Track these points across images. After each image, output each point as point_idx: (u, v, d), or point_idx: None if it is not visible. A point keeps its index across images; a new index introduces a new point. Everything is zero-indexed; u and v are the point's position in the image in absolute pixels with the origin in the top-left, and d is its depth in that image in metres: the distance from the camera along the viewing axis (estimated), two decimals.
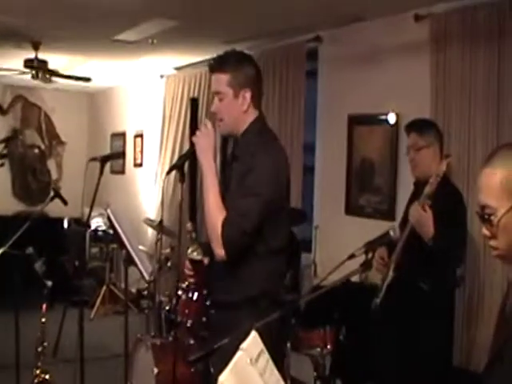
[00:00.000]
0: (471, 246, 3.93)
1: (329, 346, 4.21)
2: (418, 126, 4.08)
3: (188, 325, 4.47)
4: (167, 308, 5.19)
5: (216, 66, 3.11)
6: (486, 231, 2.01)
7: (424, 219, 3.74)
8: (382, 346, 4.15)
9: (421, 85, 4.84)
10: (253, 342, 1.87)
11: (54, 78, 7.62)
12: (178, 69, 8.41)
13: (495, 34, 4.28)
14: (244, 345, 1.79)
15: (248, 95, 3.06)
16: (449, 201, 3.85)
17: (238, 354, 1.75)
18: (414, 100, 4.97)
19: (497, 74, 4.28)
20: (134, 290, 8.01)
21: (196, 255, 3.90)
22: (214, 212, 2.99)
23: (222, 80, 3.06)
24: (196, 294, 4.48)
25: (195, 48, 7.05)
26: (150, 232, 8.36)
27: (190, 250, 3.95)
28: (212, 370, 2.87)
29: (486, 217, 1.97)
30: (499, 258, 2.04)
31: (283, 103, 6.26)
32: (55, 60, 7.64)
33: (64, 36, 6.67)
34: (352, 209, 5.68)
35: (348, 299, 4.68)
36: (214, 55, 3.20)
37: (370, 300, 3.71)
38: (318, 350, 4.24)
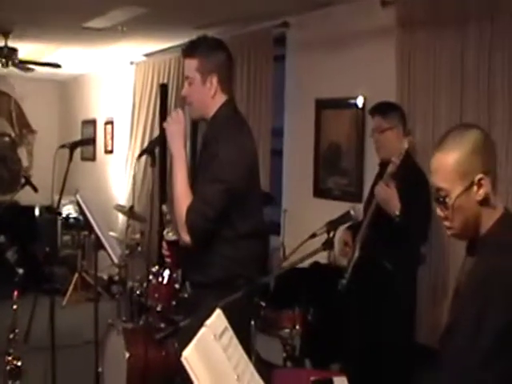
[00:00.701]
0: (436, 224, 3.99)
1: (298, 327, 4.25)
2: (382, 109, 4.17)
3: (158, 309, 4.51)
4: (138, 293, 5.22)
5: (186, 51, 3.17)
6: (440, 212, 2.08)
7: (389, 195, 3.83)
8: (347, 326, 4.22)
9: (387, 69, 4.88)
10: (217, 319, 1.91)
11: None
12: (147, 55, 8.39)
13: (460, 20, 4.33)
14: (208, 322, 1.84)
15: (215, 80, 3.11)
16: (413, 180, 3.92)
17: (202, 330, 1.79)
18: (381, 84, 5.02)
19: (461, 59, 4.33)
20: (105, 277, 8.02)
21: (171, 236, 3.96)
22: (182, 198, 3.05)
23: (191, 65, 3.12)
24: (166, 277, 4.52)
25: (165, 34, 7.05)
26: (121, 218, 8.36)
27: (165, 232, 4.00)
28: (176, 345, 2.91)
29: (441, 199, 2.04)
30: (454, 236, 2.11)
31: (251, 88, 6.28)
32: (25, 48, 7.59)
33: (34, 24, 6.62)
34: (320, 191, 5.73)
35: (316, 280, 4.75)
36: (184, 41, 3.24)
37: (338, 281, 3.79)
38: (287, 331, 4.28)
